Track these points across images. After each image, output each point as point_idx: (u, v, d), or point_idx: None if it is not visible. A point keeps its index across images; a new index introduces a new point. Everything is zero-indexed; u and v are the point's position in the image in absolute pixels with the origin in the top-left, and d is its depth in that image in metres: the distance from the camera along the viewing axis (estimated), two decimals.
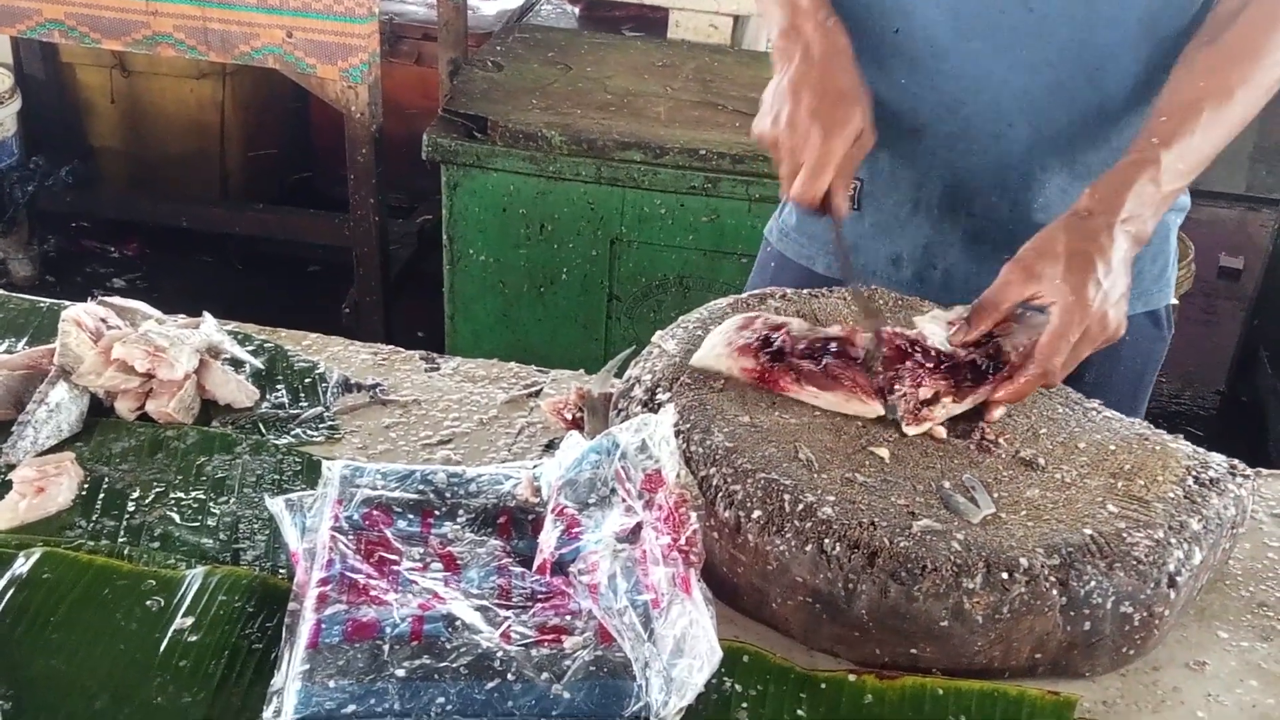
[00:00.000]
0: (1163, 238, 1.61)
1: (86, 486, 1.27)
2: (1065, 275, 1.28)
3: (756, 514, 1.14)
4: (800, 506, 1.13)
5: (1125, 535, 1.13)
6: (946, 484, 1.20)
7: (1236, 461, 1.28)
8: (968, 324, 1.33)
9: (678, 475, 1.16)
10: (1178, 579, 1.12)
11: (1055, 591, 1.08)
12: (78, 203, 4.02)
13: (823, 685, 1.09)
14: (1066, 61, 1.45)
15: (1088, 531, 1.13)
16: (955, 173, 1.54)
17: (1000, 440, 1.28)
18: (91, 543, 1.19)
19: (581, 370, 1.55)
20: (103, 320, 1.41)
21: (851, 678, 1.10)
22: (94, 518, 1.23)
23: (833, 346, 1.32)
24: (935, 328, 1.36)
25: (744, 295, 1.48)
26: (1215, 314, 4.52)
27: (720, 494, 1.16)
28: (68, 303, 1.50)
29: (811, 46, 1.39)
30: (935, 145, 1.53)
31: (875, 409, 1.27)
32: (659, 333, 1.39)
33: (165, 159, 4.17)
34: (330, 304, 3.60)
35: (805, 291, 1.50)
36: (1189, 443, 1.32)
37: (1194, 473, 1.24)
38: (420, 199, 4.10)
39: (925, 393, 1.28)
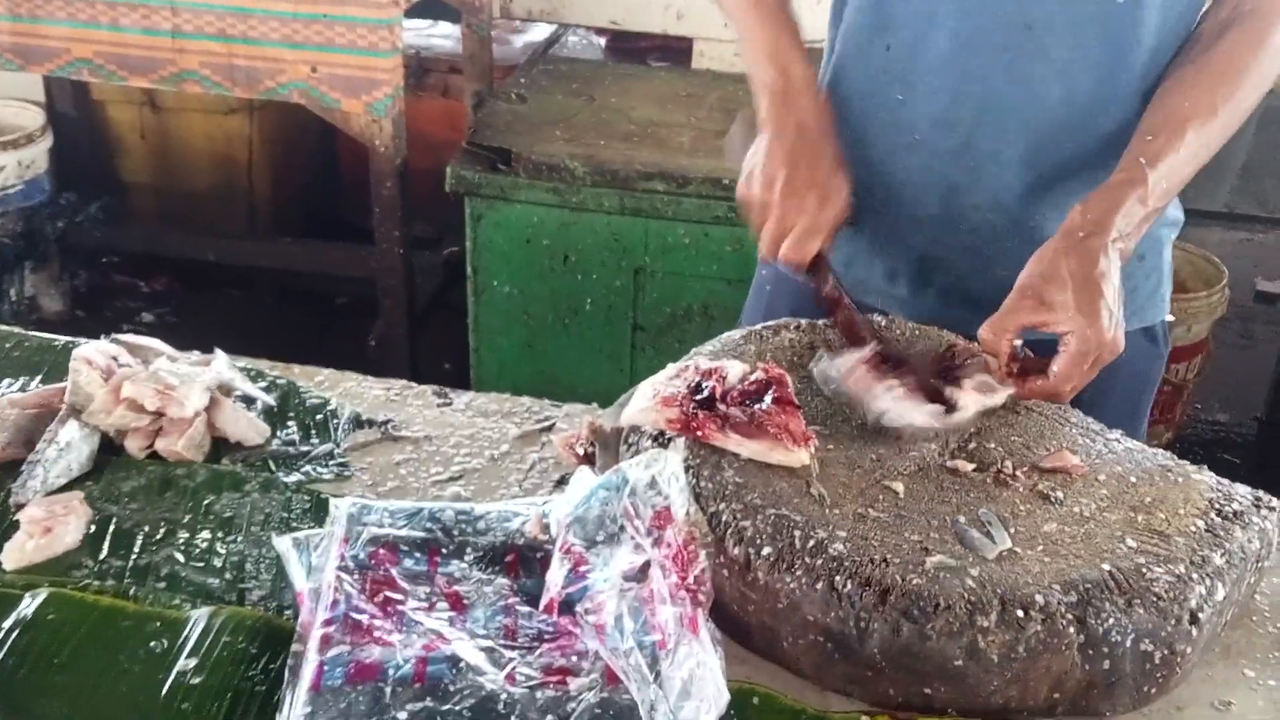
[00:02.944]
0: (1156, 253, 1.60)
1: (94, 526, 1.26)
2: (1078, 303, 1.28)
3: (766, 551, 1.12)
4: (811, 543, 1.11)
5: (1145, 571, 1.10)
6: (962, 519, 1.18)
7: (1262, 493, 1.25)
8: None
9: (687, 512, 1.15)
10: (1200, 616, 1.09)
11: (1072, 629, 1.06)
12: (108, 238, 4.05)
13: None
14: (1069, 78, 1.44)
15: (1106, 567, 1.10)
16: (952, 188, 1.53)
17: (1018, 473, 1.25)
18: (98, 583, 1.18)
19: (595, 404, 1.54)
20: (114, 358, 1.41)
21: (865, 719, 1.08)
22: (101, 557, 1.23)
23: (770, 392, 1.26)
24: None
25: (758, 327, 1.46)
26: (1253, 339, 4.46)
27: (730, 530, 1.14)
28: (82, 341, 1.50)
29: (806, 122, 1.44)
30: (933, 160, 1.52)
31: (800, 457, 1.22)
32: (670, 366, 1.37)
33: (194, 193, 4.20)
34: (358, 336, 3.61)
35: (821, 322, 1.48)
36: (1213, 474, 1.29)
37: (1217, 505, 1.21)
38: (448, 230, 4.10)
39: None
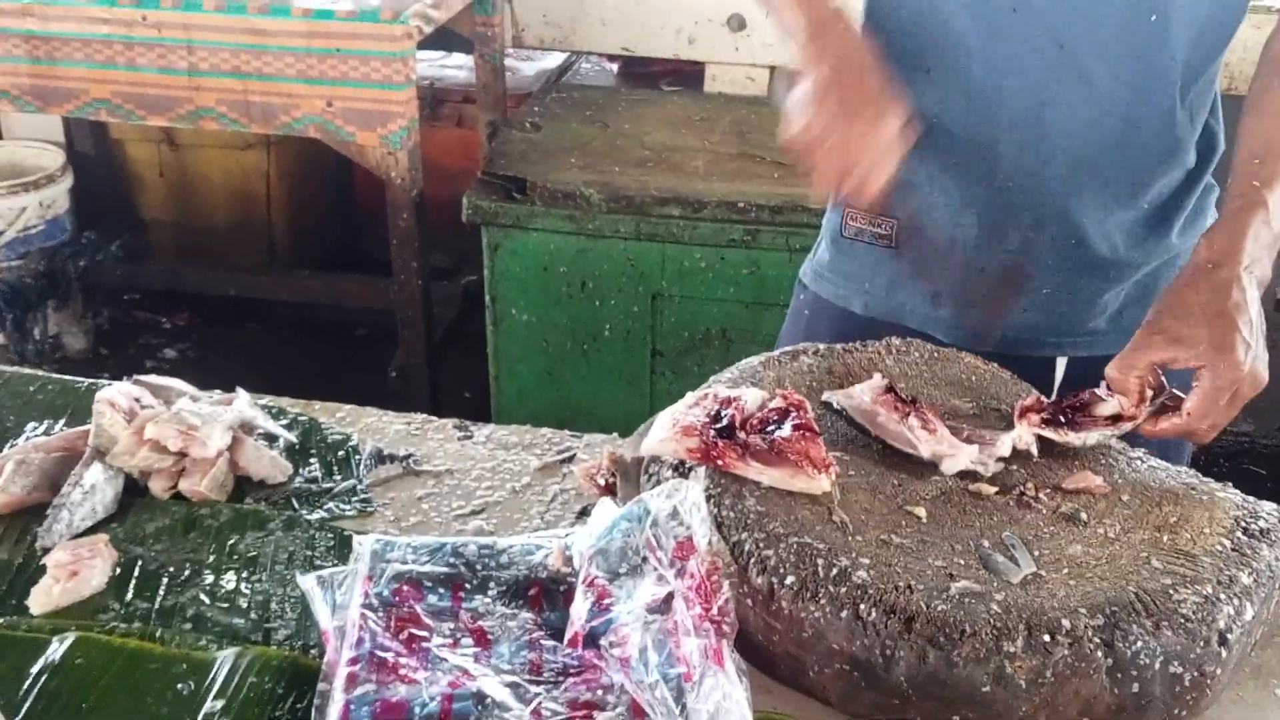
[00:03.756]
0: None
1: (120, 568, 1.27)
2: (1210, 337, 1.25)
3: (790, 580, 1.11)
4: (834, 571, 1.11)
5: (1171, 592, 1.10)
6: (985, 543, 1.17)
7: None
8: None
9: (709, 542, 1.15)
10: (1229, 636, 1.08)
11: (1100, 653, 1.05)
12: (129, 275, 4.08)
13: None
14: (1102, 97, 1.45)
15: (1132, 589, 1.10)
16: (992, 209, 1.53)
17: (1041, 495, 1.25)
18: (124, 625, 1.18)
19: (615, 434, 1.54)
20: (136, 400, 1.42)
21: None
22: (127, 599, 1.23)
23: (790, 419, 1.25)
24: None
25: (775, 353, 1.46)
26: (1276, 348, 4.42)
27: (753, 560, 1.14)
28: (105, 382, 1.51)
29: (844, 52, 1.34)
30: (971, 182, 1.52)
31: (822, 484, 1.21)
32: (689, 395, 1.37)
33: (213, 229, 4.23)
34: (378, 367, 3.62)
35: (839, 346, 1.49)
36: (1239, 491, 1.28)
37: (1243, 523, 1.20)
38: (466, 260, 4.13)
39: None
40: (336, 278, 4.05)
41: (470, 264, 4.04)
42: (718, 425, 1.25)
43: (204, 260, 4.23)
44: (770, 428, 1.25)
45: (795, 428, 1.25)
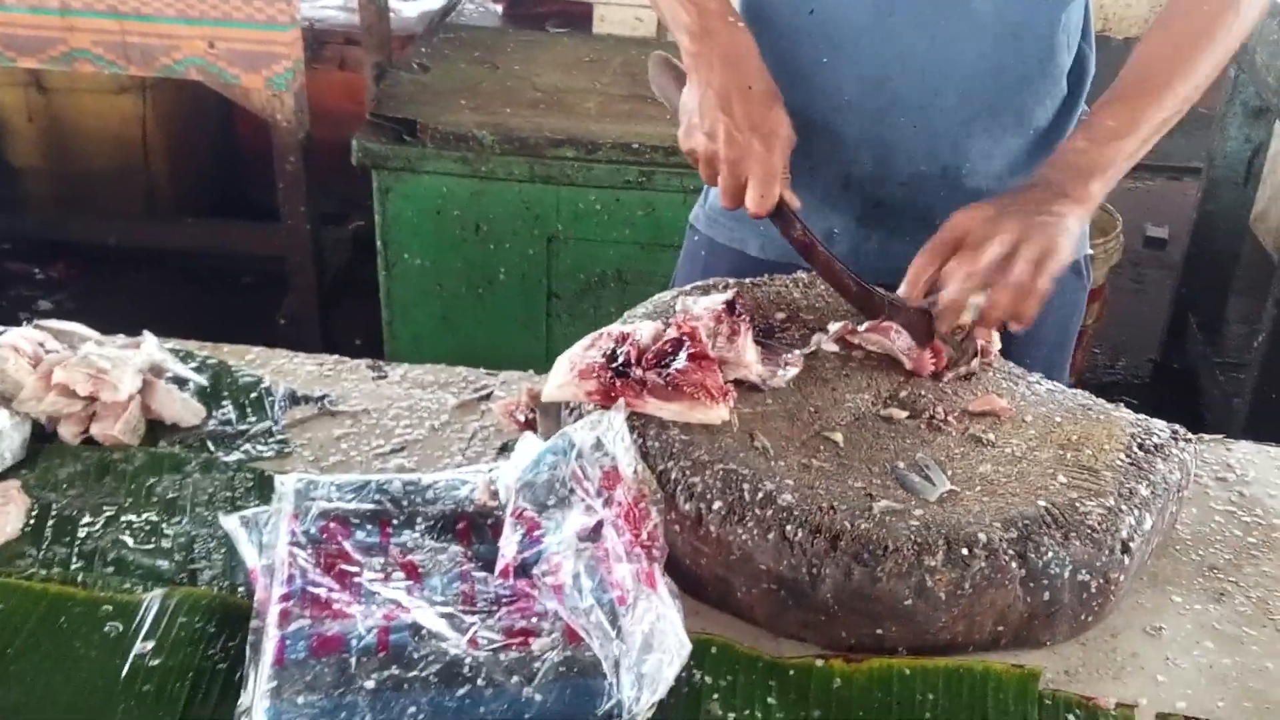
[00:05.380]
0: None
1: (34, 514, 1.24)
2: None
3: (717, 505, 1.14)
4: (760, 495, 1.14)
5: (1078, 505, 1.15)
6: (901, 464, 1.21)
7: (1178, 427, 1.31)
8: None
9: (635, 471, 1.17)
10: (1131, 545, 1.14)
11: (1015, 564, 1.10)
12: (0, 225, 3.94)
13: (791, 672, 1.10)
14: (987, 30, 1.49)
15: (1042, 503, 1.15)
16: (884, 146, 1.56)
17: (950, 419, 1.29)
18: (44, 571, 1.17)
19: (531, 371, 1.55)
20: (40, 344, 1.39)
21: (819, 662, 1.11)
22: (44, 546, 1.21)
23: (685, 349, 1.26)
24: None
25: (688, 288, 1.48)
26: (1144, 283, 4.60)
27: (679, 487, 1.17)
28: (3, 328, 1.47)
29: (729, 52, 1.41)
30: (862, 121, 1.55)
31: (719, 413, 1.23)
32: (586, 337, 1.37)
33: (89, 176, 4.09)
34: (268, 314, 3.56)
35: (749, 281, 1.51)
36: (1130, 411, 1.34)
37: (1138, 440, 1.26)
38: (354, 205, 4.06)
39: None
40: (220, 224, 3.96)
41: (358, 209, 3.99)
42: (614, 365, 1.26)
43: (80, 208, 4.09)
44: (665, 361, 1.27)
45: (690, 357, 1.26)
